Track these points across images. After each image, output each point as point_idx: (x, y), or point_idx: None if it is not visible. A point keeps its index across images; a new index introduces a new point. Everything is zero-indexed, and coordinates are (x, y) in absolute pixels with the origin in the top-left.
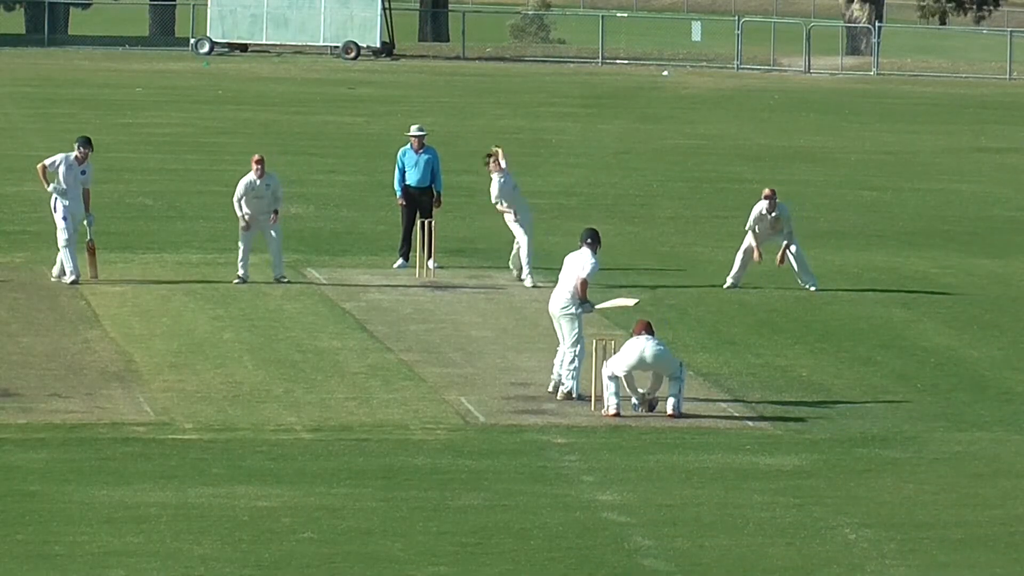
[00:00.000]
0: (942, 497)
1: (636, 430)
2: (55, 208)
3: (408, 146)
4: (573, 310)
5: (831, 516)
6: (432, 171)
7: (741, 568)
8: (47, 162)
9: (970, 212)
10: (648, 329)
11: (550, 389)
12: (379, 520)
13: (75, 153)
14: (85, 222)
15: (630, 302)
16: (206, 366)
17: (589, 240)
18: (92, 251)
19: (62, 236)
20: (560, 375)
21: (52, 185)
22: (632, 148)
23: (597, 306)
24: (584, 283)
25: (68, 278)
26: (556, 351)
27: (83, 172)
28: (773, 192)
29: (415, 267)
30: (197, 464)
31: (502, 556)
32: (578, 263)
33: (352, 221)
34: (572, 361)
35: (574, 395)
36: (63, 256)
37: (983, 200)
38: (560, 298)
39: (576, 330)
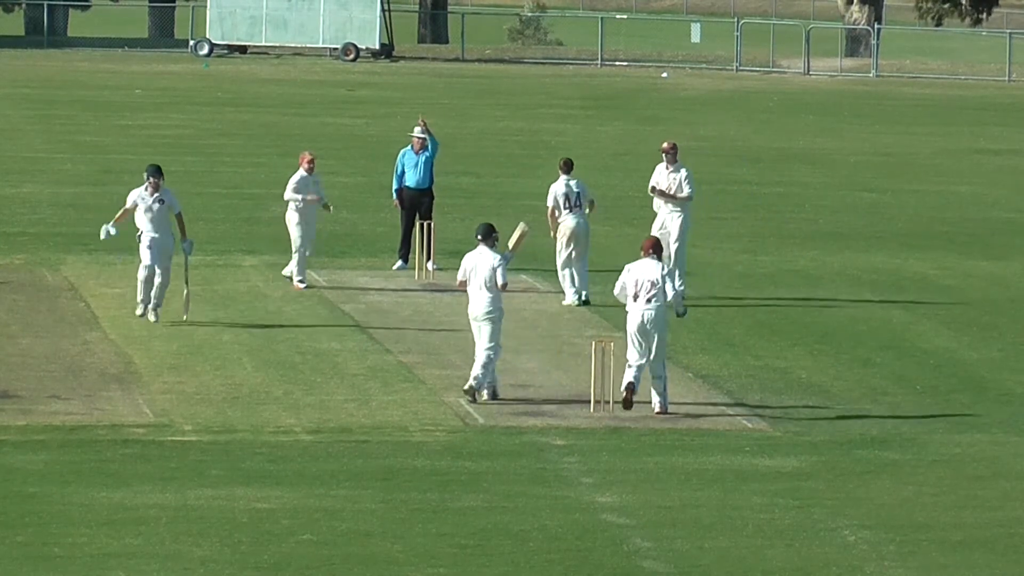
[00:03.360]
0: (941, 499)
1: (635, 432)
2: (139, 239)
3: (409, 147)
4: (495, 312)
5: (830, 518)
6: (430, 169)
7: (740, 569)
8: (129, 204)
9: (969, 214)
10: (656, 247)
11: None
12: (378, 522)
13: (145, 185)
14: (184, 250)
15: (523, 229)
16: (205, 368)
17: (481, 236)
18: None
19: (141, 272)
20: (476, 375)
21: (105, 228)
22: (631, 150)
23: (509, 252)
24: (504, 287)
25: (138, 309)
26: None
27: (161, 200)
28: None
29: (414, 269)
30: (196, 466)
31: (501, 558)
32: (486, 264)
33: (351, 223)
34: (488, 362)
35: (483, 394)
36: (139, 283)
37: (982, 202)
38: (482, 302)
39: (498, 332)
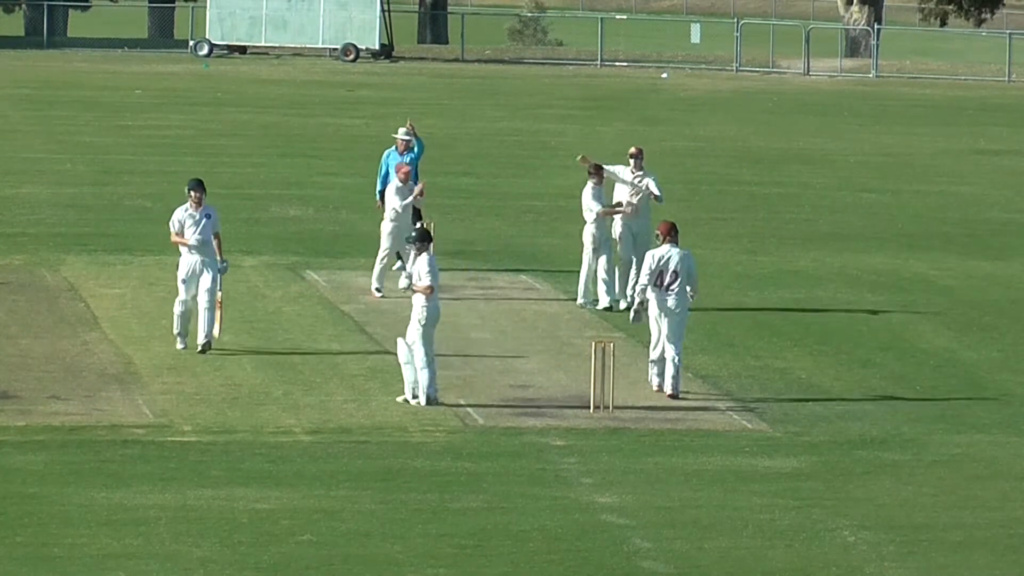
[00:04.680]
0: (941, 499)
1: (635, 432)
2: (179, 265)
3: (393, 148)
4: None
5: (830, 518)
6: (416, 169)
7: (740, 570)
8: (173, 227)
9: (969, 214)
10: (672, 232)
11: (410, 398)
12: (378, 522)
13: (187, 203)
14: (219, 270)
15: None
16: (205, 368)
17: (425, 241)
18: (218, 305)
19: (178, 306)
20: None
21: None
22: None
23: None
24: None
25: (178, 344)
26: (405, 355)
27: (208, 216)
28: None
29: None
30: (196, 466)
31: (501, 558)
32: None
33: (351, 223)
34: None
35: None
36: (175, 317)
37: (982, 202)
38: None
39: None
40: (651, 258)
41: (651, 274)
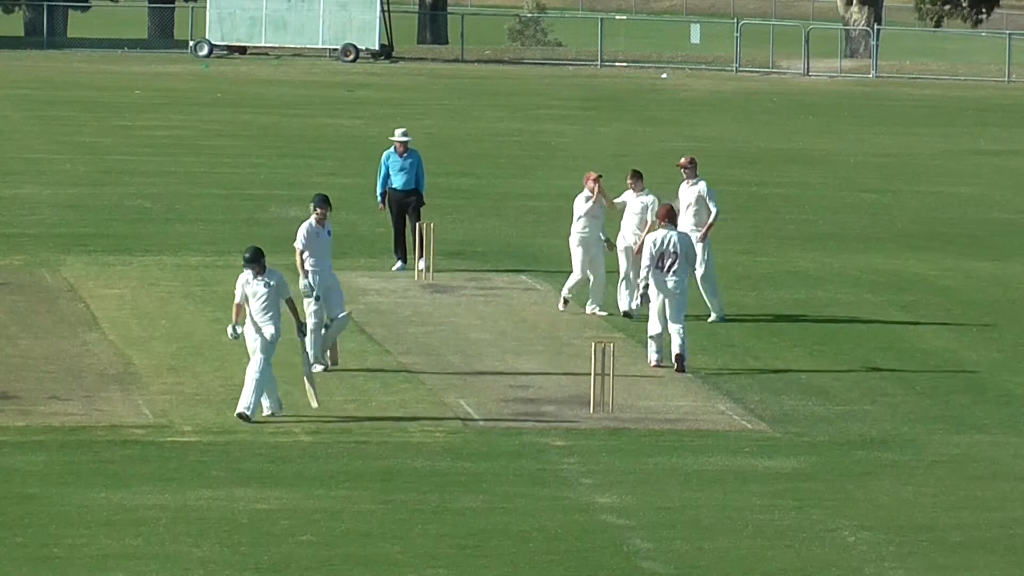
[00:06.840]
0: (941, 500)
1: (635, 433)
2: (310, 283)
3: (392, 149)
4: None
5: (830, 519)
6: (416, 174)
7: (740, 570)
8: (299, 245)
9: (969, 214)
10: (670, 215)
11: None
12: (378, 522)
13: (313, 216)
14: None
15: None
16: (205, 368)
17: (254, 261)
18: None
19: (311, 320)
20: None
21: (304, 282)
22: (631, 151)
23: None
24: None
25: (317, 366)
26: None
27: (328, 232)
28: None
29: (413, 269)
30: (196, 467)
31: (501, 558)
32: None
33: (351, 224)
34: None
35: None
36: (308, 340)
37: (982, 202)
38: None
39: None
40: (650, 242)
41: (652, 257)
